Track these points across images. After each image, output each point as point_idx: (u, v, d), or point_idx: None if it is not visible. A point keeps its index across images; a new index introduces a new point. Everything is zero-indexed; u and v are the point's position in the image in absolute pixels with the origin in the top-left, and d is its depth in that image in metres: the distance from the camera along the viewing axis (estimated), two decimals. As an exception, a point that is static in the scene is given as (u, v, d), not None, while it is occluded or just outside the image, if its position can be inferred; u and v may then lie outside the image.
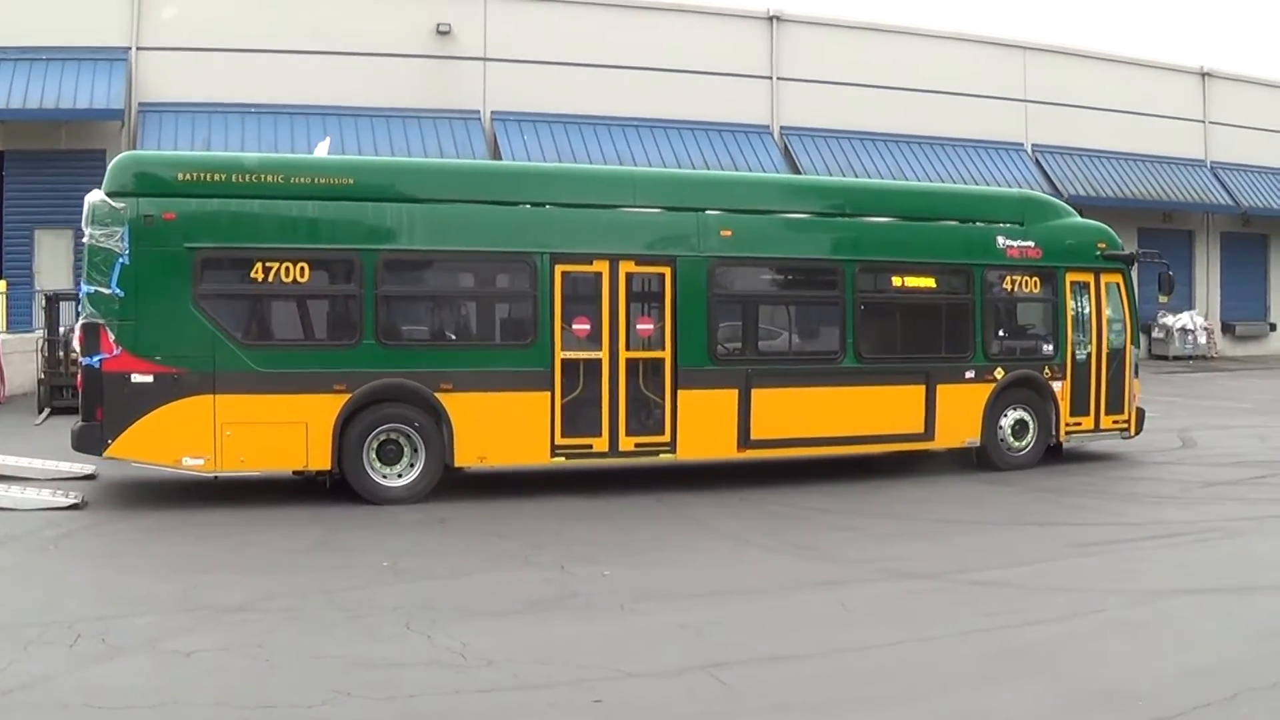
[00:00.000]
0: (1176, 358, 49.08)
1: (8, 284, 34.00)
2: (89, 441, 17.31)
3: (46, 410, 28.14)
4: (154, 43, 39.88)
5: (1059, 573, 14.01)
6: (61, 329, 29.48)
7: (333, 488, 18.12)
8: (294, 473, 18.46)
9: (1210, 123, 55.03)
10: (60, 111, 37.38)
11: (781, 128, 47.00)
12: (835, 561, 14.76)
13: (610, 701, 9.44)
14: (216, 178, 17.73)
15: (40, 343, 29.71)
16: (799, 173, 43.32)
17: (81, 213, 17.11)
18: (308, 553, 14.87)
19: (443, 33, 42.90)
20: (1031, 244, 21.53)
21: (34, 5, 38.60)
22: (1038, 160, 50.09)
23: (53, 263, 38.38)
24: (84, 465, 19.56)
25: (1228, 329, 55.60)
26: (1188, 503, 18.62)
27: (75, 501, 17.17)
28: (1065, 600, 12.68)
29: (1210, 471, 21.53)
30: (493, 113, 43.36)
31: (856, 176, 41.87)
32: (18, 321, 34.19)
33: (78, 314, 29.51)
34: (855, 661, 10.62)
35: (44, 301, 30.41)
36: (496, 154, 41.51)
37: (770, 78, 47.38)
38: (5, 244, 38.68)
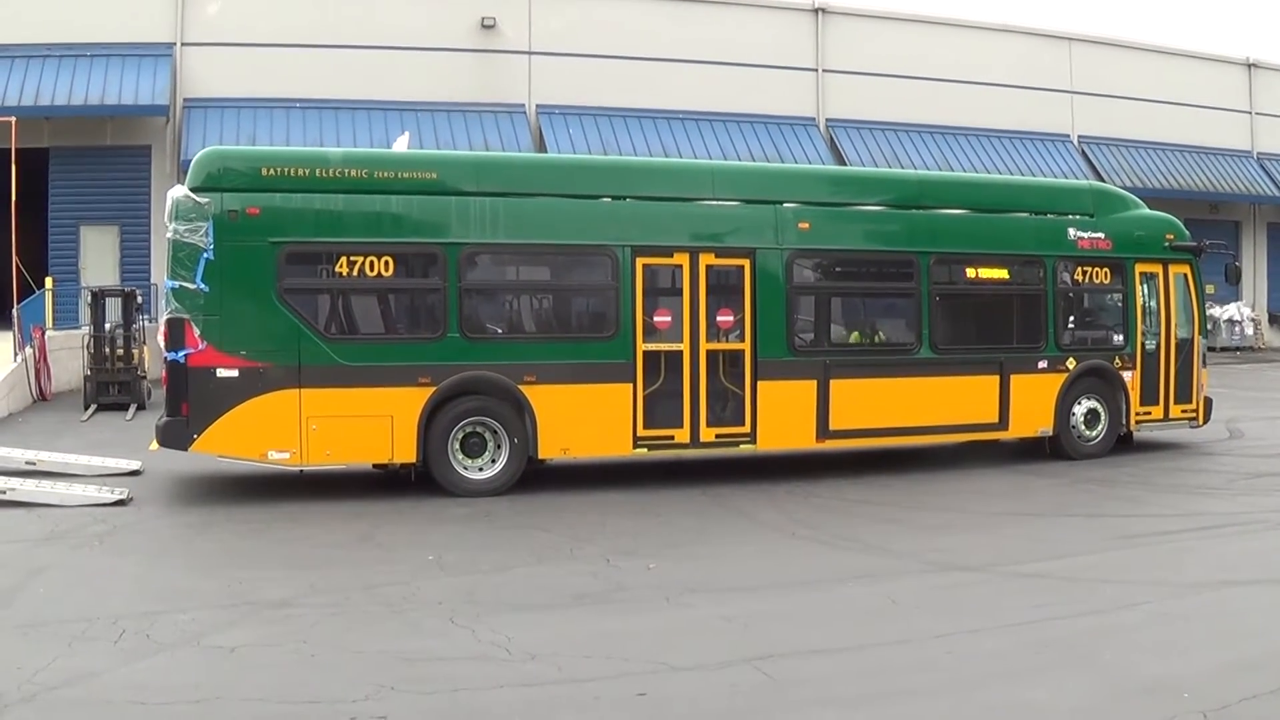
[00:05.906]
0: (1223, 349, 48.63)
1: (54, 280, 34.09)
2: (174, 437, 17.47)
3: (92, 407, 28.31)
4: (198, 39, 39.98)
5: (1105, 564, 13.98)
6: (107, 325, 29.56)
7: (416, 480, 18.27)
8: (374, 466, 18.71)
9: (1256, 113, 54.61)
10: (105, 108, 37.56)
11: (827, 120, 46.84)
12: (881, 554, 14.71)
13: (654, 695, 9.42)
14: (300, 172, 17.82)
15: (86, 339, 29.77)
16: (844, 165, 43.10)
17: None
18: (351, 547, 14.91)
19: (487, 27, 42.90)
20: (1102, 235, 21.69)
21: (79, 2, 38.79)
22: (1084, 151, 49.82)
23: (98, 259, 38.60)
24: (129, 461, 19.69)
25: (1275, 320, 55.19)
26: (1234, 494, 18.53)
27: (120, 498, 17.20)
28: (1111, 592, 12.66)
29: (1257, 463, 21.43)
30: (538, 106, 43.37)
31: (903, 168, 41.62)
32: (64, 318, 34.29)
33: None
34: (900, 654, 10.58)
35: (89, 298, 30.49)
36: (541, 147, 41.53)
37: (816, 70, 47.20)
38: (51, 240, 38.85)
